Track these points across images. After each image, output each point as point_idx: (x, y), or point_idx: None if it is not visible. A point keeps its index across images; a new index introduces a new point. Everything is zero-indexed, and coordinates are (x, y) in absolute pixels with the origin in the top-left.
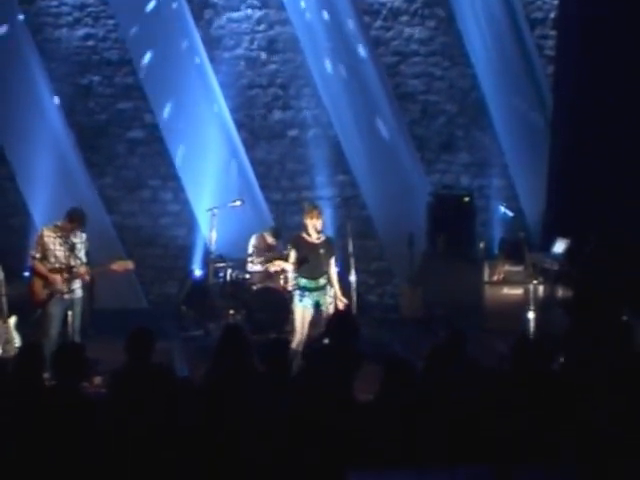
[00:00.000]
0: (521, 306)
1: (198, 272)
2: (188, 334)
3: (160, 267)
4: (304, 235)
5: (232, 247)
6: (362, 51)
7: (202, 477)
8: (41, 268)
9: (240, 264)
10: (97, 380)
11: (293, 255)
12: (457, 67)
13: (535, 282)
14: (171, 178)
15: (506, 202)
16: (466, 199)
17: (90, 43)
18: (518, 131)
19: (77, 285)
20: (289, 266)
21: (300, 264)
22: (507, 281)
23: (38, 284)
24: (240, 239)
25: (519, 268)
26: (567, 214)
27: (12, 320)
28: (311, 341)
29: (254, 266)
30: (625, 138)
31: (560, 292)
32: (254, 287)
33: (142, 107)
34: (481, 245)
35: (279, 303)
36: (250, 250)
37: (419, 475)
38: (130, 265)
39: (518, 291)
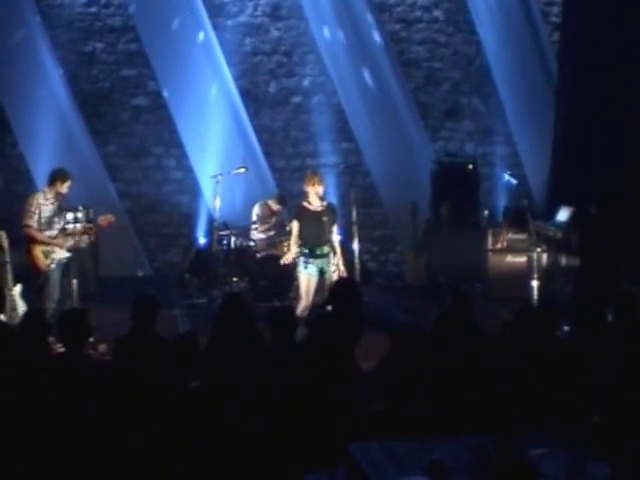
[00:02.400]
0: (525, 274)
1: (202, 240)
2: (192, 302)
3: (164, 235)
4: (305, 204)
5: (236, 214)
6: (366, 18)
7: (205, 445)
8: (39, 235)
9: (244, 232)
10: (102, 347)
11: (296, 227)
12: (461, 34)
13: (539, 250)
14: (175, 145)
15: (510, 170)
16: (470, 166)
17: (93, 9)
18: (522, 99)
19: (68, 245)
20: (294, 240)
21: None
22: (511, 249)
23: (37, 251)
24: (244, 206)
25: (523, 236)
26: (571, 182)
27: (17, 288)
28: (314, 308)
29: (258, 234)
30: (631, 105)
31: (564, 260)
32: (258, 255)
33: (146, 74)
34: (485, 213)
35: (283, 271)
36: (254, 218)
37: (421, 445)
38: (112, 218)
39: (522, 259)
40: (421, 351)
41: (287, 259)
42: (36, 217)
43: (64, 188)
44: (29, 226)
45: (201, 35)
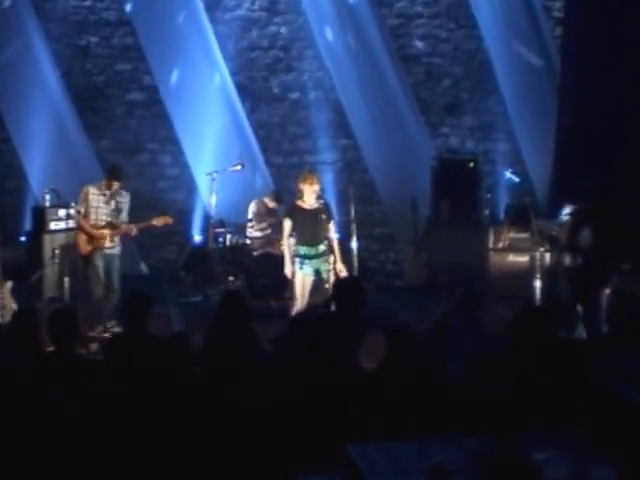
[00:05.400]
0: (527, 274)
1: (197, 237)
2: (187, 300)
3: (159, 232)
4: (299, 203)
5: (232, 212)
6: (365, 12)
7: (200, 447)
8: (84, 224)
9: (240, 229)
10: (94, 346)
11: (288, 226)
12: (462, 29)
13: (541, 249)
14: (170, 141)
15: (512, 167)
16: (471, 164)
17: (87, 3)
18: (525, 94)
19: (116, 241)
20: (285, 240)
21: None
22: (513, 248)
23: (82, 239)
24: (240, 204)
25: (525, 235)
26: (575, 179)
27: (8, 285)
28: (316, 307)
29: (254, 232)
30: (635, 101)
31: (567, 260)
32: (254, 253)
33: (141, 68)
34: (486, 211)
35: (279, 269)
36: (250, 216)
37: (421, 447)
38: (169, 220)
39: (524, 258)
40: (416, 351)
41: (288, 269)
42: (85, 205)
43: (115, 185)
44: (78, 212)
45: (198, 29)
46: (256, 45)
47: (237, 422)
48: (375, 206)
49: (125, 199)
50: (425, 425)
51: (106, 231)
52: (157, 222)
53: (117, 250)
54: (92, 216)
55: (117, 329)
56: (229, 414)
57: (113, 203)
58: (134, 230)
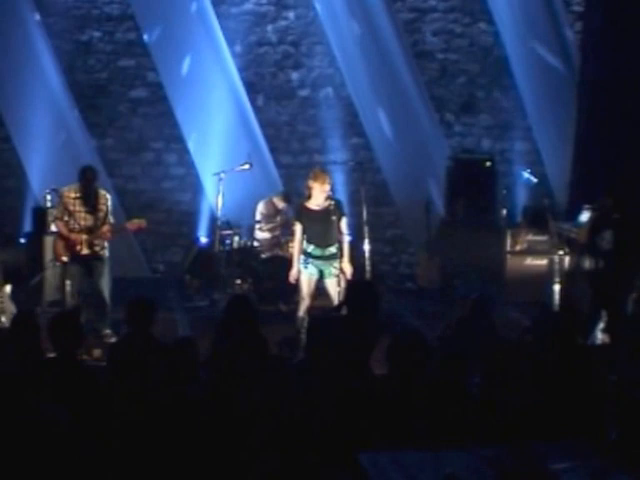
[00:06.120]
0: (545, 278)
1: (203, 239)
2: (192, 304)
3: (163, 234)
4: (307, 204)
5: (240, 213)
6: (378, 7)
7: (204, 454)
8: (62, 229)
9: (248, 231)
10: (97, 353)
11: (299, 230)
12: (478, 24)
13: (560, 252)
14: (175, 140)
15: (530, 167)
16: (487, 164)
17: None
18: (543, 92)
19: (101, 245)
20: (296, 246)
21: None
22: (530, 251)
23: (60, 244)
24: (248, 204)
25: (543, 237)
26: (595, 180)
27: (7, 288)
28: (327, 311)
29: (262, 233)
30: None
31: (587, 264)
32: (262, 255)
33: (145, 65)
34: (503, 212)
35: (288, 272)
36: (258, 217)
37: (434, 456)
38: (143, 224)
39: (542, 262)
40: (422, 358)
41: (293, 276)
42: (61, 209)
43: (89, 187)
44: (55, 217)
45: (204, 24)
46: (265, 40)
47: (244, 431)
48: (387, 207)
49: (102, 200)
50: (440, 434)
51: (83, 236)
52: (131, 226)
53: (103, 255)
54: (70, 220)
55: (113, 339)
56: (235, 423)
57: (90, 206)
58: (108, 235)
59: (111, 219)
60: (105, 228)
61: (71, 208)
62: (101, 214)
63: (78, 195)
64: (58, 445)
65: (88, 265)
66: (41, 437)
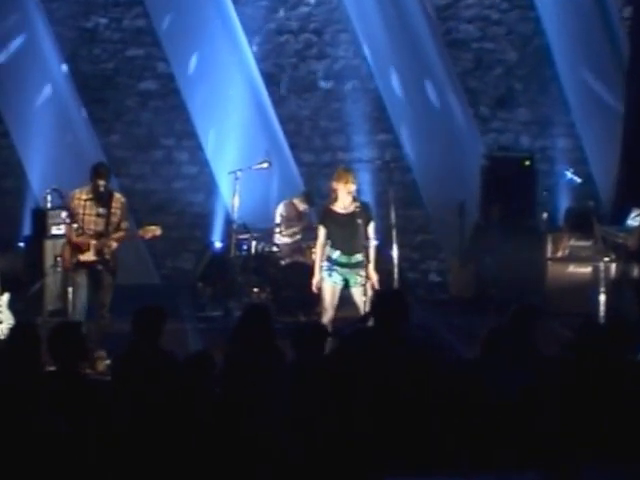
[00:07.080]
0: (589, 286)
1: (218, 244)
2: (205, 314)
3: (174, 238)
4: (332, 206)
5: (257, 215)
6: None
7: (214, 469)
8: (69, 233)
9: (266, 235)
10: (101, 366)
11: (322, 234)
12: (517, 10)
13: (606, 259)
14: (187, 136)
15: (573, 166)
16: (526, 162)
17: None
18: (587, 84)
19: (111, 253)
20: (319, 251)
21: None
22: (573, 257)
23: (67, 250)
24: (266, 206)
25: (587, 243)
26: None
27: (4, 297)
28: (353, 322)
29: (282, 238)
30: None
31: (636, 271)
32: (282, 262)
33: (155, 54)
34: (543, 216)
35: (309, 280)
36: (278, 220)
37: None
38: (158, 231)
39: (586, 269)
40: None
41: (316, 284)
42: (69, 213)
43: (101, 187)
44: (64, 221)
45: (218, 10)
46: (285, 28)
47: (259, 449)
48: (417, 210)
49: (117, 204)
50: (472, 457)
51: (92, 241)
52: (144, 233)
53: (113, 266)
54: (79, 224)
55: (107, 362)
56: (249, 441)
57: (102, 209)
58: (113, 245)
59: (125, 225)
60: (117, 235)
61: (80, 211)
62: (114, 219)
63: (90, 196)
64: (56, 458)
65: (95, 275)
66: (39, 451)
